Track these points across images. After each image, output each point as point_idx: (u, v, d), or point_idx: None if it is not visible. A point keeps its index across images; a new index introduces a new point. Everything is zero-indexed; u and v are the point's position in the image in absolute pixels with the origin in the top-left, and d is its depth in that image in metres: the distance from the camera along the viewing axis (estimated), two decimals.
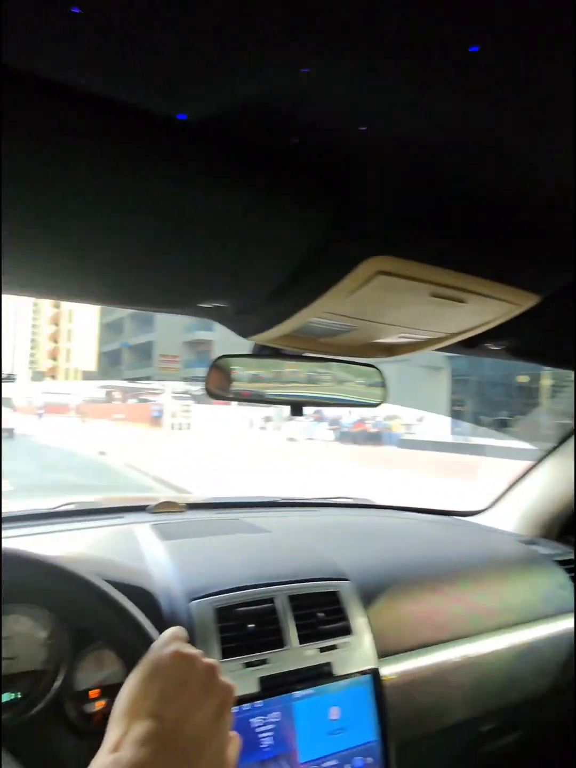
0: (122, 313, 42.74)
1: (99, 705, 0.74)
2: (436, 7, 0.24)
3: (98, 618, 0.58)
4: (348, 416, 17.89)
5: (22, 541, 0.89)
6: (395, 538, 1.35)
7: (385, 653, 0.97)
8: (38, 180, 0.37)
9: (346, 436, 18.36)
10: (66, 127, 0.33)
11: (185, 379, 29.94)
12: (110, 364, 44.43)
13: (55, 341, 67.03)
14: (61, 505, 1.34)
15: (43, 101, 0.32)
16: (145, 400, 29.13)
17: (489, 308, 0.58)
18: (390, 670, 0.96)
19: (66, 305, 60.63)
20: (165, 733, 0.45)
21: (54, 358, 65.58)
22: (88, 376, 31.53)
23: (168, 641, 0.52)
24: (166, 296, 0.65)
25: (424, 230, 0.45)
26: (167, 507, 1.36)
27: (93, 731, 0.69)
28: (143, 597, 0.82)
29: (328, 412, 17.52)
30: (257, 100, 0.32)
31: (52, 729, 0.69)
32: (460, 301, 0.52)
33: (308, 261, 0.51)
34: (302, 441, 18.51)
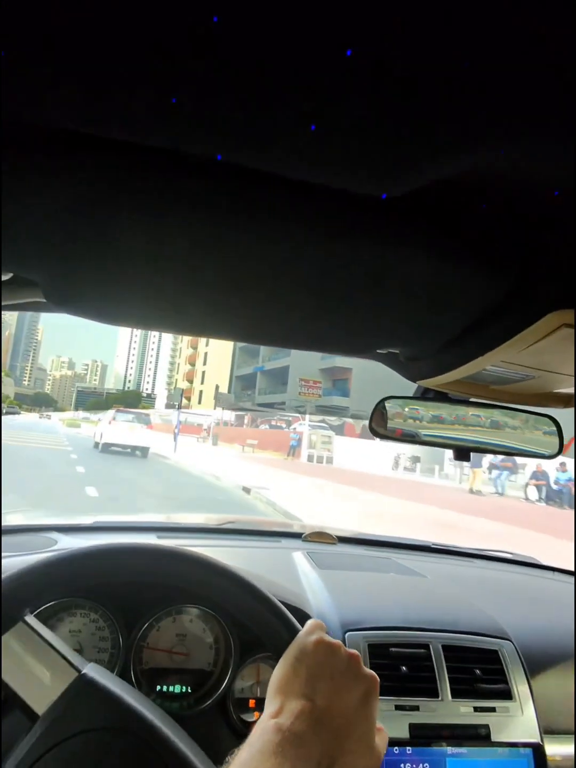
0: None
1: (256, 715, 0.78)
2: None
3: (269, 630, 0.61)
4: (551, 468, 13.13)
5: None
6: (564, 604, 1.14)
7: (549, 730, 0.86)
8: (251, 256, 0.44)
9: (558, 495, 13.13)
10: (276, 210, 0.39)
11: (322, 408, 27.82)
12: (243, 388, 44.01)
13: (192, 364, 69.65)
14: (224, 523, 1.44)
15: (258, 189, 0.37)
16: (278, 427, 27.59)
17: None
18: (556, 750, 0.85)
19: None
20: (317, 711, 0.48)
21: (190, 381, 68.06)
22: (221, 400, 30.95)
23: (311, 630, 0.56)
24: (345, 342, 0.69)
25: None
26: (320, 537, 1.36)
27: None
28: (301, 620, 0.76)
29: (527, 462, 13.53)
30: (452, 178, 0.35)
31: (219, 726, 0.79)
32: None
33: (488, 313, 0.52)
34: (489, 495, 13.84)
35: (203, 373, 60.71)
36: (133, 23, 0.24)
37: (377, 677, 0.53)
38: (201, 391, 60.13)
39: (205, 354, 61.98)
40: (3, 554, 0.90)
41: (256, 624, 0.62)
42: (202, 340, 63.85)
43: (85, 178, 0.36)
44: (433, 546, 1.52)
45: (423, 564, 1.32)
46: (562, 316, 0.44)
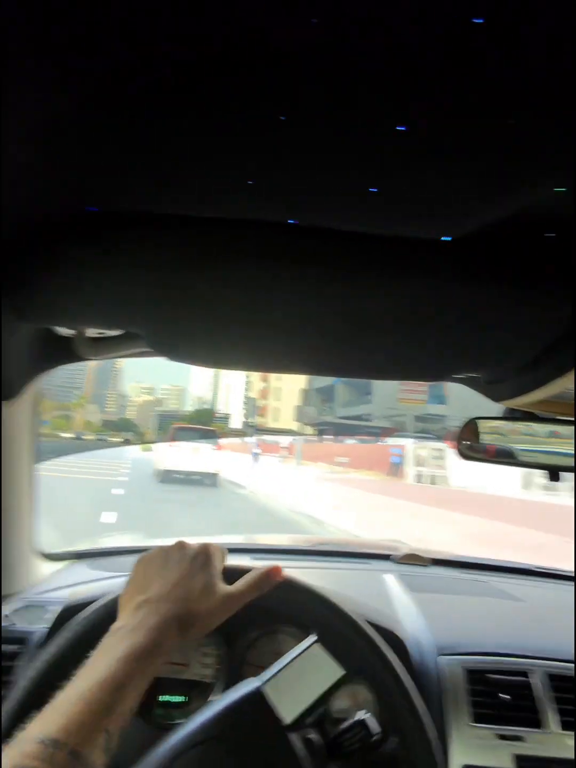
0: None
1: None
2: None
3: (356, 654, 0.64)
4: None
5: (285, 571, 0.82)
6: None
7: None
8: (332, 301, 0.50)
9: None
10: (351, 261, 0.44)
11: (422, 417, 23.89)
12: (322, 401, 40.67)
13: (266, 380, 67.50)
14: (316, 545, 1.46)
15: (333, 244, 0.42)
16: (367, 441, 24.00)
17: None
18: None
19: None
20: (152, 597, 0.55)
21: (264, 397, 65.82)
22: (303, 414, 27.88)
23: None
24: (424, 369, 0.73)
25: None
26: (412, 559, 1.34)
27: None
28: (394, 643, 0.80)
29: None
30: (508, 217, 0.38)
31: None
32: None
33: (561, 337, 0.53)
34: None
35: (278, 389, 57.96)
36: (205, 122, 0.29)
37: (212, 544, 0.62)
38: (277, 408, 57.42)
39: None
40: (94, 575, 1.01)
41: (346, 648, 0.65)
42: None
43: (174, 250, 0.43)
44: (534, 569, 1.44)
45: (521, 588, 1.27)
46: None
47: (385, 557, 1.34)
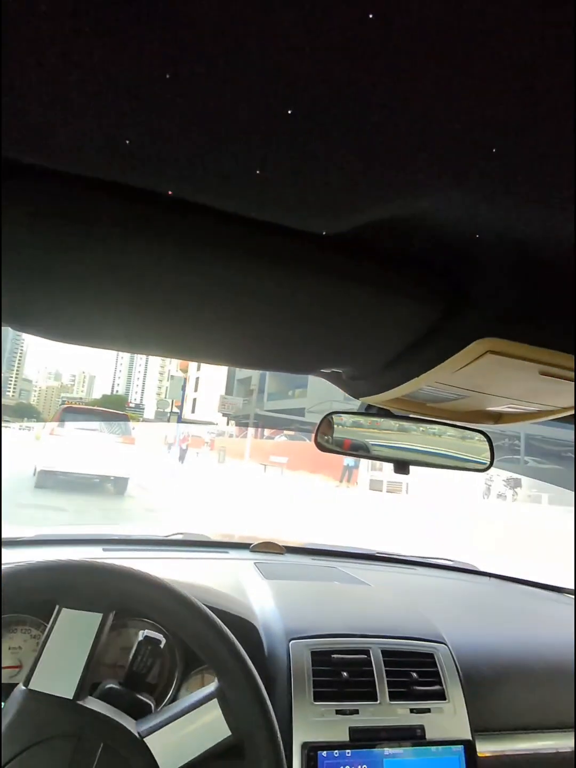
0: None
1: None
2: (537, 145, 0.29)
3: (202, 644, 0.67)
4: None
5: (135, 563, 0.82)
6: (500, 608, 1.30)
7: (480, 728, 0.92)
8: (200, 283, 0.47)
9: None
10: (224, 243, 0.42)
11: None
12: (247, 393, 37.62)
13: (184, 370, 63.20)
14: (171, 534, 1.44)
15: (208, 223, 0.40)
16: (300, 438, 21.39)
17: None
18: (485, 747, 0.91)
19: None
20: None
21: (182, 388, 61.62)
22: (226, 406, 24.83)
23: None
24: (291, 362, 0.72)
25: (534, 315, 0.48)
26: (267, 547, 1.38)
27: None
28: (247, 629, 0.87)
29: None
30: (388, 219, 0.38)
31: None
32: (570, 378, 0.53)
33: (419, 340, 0.55)
34: None
35: (197, 379, 53.99)
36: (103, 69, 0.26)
37: None
38: (194, 400, 53.50)
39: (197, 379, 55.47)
40: None
41: (184, 632, 0.67)
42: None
43: (34, 206, 0.38)
44: (377, 554, 1.56)
45: (367, 572, 1.35)
46: (486, 343, 0.48)
47: (243, 546, 1.39)
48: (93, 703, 0.66)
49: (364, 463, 13.85)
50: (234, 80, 0.26)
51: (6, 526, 1.33)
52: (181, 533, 1.45)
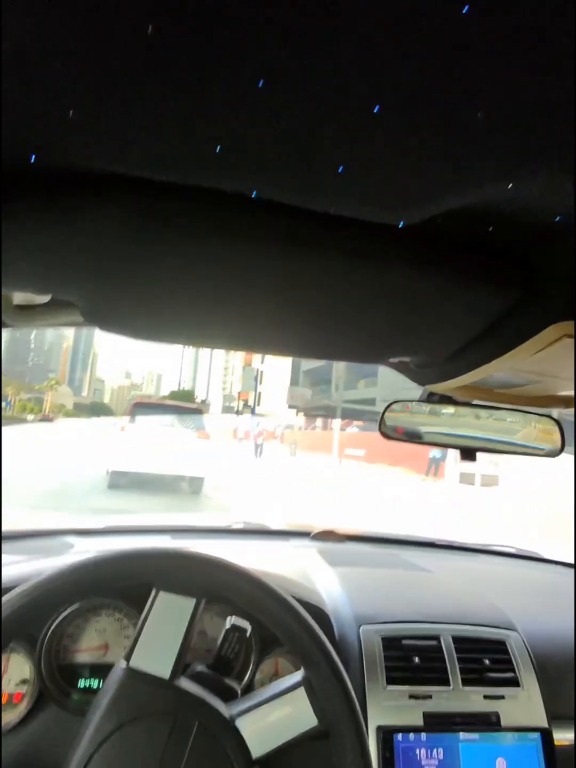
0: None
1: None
2: None
3: (283, 628, 0.68)
4: None
5: (205, 550, 0.83)
6: (567, 596, 1.18)
7: (557, 716, 0.89)
8: (276, 278, 0.48)
9: None
10: (300, 238, 0.42)
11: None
12: (312, 383, 36.87)
13: (249, 364, 63.32)
14: (233, 523, 1.45)
15: (285, 219, 0.41)
16: (364, 428, 20.43)
17: None
18: (562, 736, 0.88)
19: None
20: None
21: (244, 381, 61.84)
22: (295, 397, 24.25)
23: None
24: (360, 351, 0.72)
25: None
26: (328, 535, 1.38)
27: None
28: (318, 616, 0.85)
29: None
30: (462, 207, 0.38)
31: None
32: None
33: (492, 326, 0.55)
34: None
35: (261, 372, 53.82)
36: (176, 78, 0.27)
37: None
38: (259, 394, 53.42)
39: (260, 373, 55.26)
40: (22, 558, 0.98)
41: (272, 623, 0.68)
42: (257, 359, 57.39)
43: (116, 214, 0.40)
44: (437, 542, 1.54)
45: (429, 559, 1.34)
46: (562, 328, 0.47)
47: (304, 534, 1.38)
48: (187, 684, 0.68)
49: (452, 454, 12.78)
50: (317, 82, 0.26)
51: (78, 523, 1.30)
52: (242, 522, 1.47)
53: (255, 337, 0.68)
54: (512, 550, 1.57)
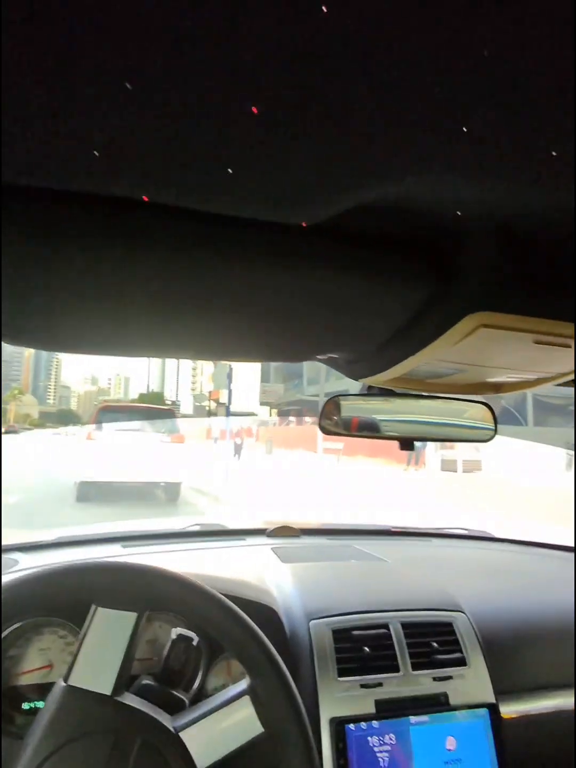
0: None
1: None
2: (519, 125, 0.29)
3: (223, 630, 0.67)
4: None
5: (155, 557, 0.93)
6: (515, 573, 1.32)
7: (503, 690, 0.93)
8: (190, 284, 0.47)
9: None
10: (205, 242, 0.42)
11: None
12: (284, 379, 36.58)
13: (216, 365, 62.47)
14: (189, 526, 1.47)
15: (187, 225, 0.40)
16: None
17: None
18: (510, 708, 0.93)
19: None
20: None
21: (213, 381, 61.10)
22: (268, 394, 23.96)
23: None
24: (287, 351, 0.73)
25: (524, 286, 0.47)
26: (284, 531, 1.38)
27: None
28: (268, 614, 0.89)
29: None
30: (368, 204, 0.38)
31: None
32: (567, 345, 0.53)
33: (412, 319, 0.55)
34: None
35: (232, 368, 53.23)
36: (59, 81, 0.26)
37: None
38: (230, 391, 52.82)
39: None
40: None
41: (216, 631, 0.68)
42: None
43: (17, 221, 0.38)
44: (392, 529, 1.57)
45: (383, 547, 1.35)
46: (477, 318, 0.47)
47: (260, 532, 1.38)
48: (130, 699, 0.67)
49: (432, 442, 12.69)
50: (196, 83, 0.26)
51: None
52: (197, 524, 1.47)
53: (175, 343, 0.67)
54: (464, 532, 1.62)
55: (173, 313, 0.54)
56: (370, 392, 0.86)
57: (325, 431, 0.89)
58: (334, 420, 0.89)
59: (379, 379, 0.73)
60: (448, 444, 13.30)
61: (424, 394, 0.83)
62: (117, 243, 0.40)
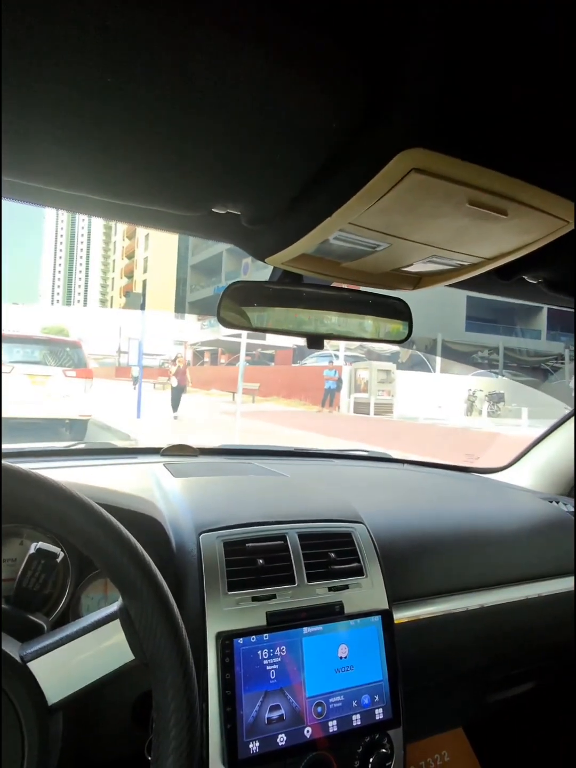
0: (216, 249, 33.90)
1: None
2: None
3: (89, 540, 0.57)
4: None
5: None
6: (412, 489, 1.34)
7: (397, 598, 0.95)
8: (42, 67, 0.38)
9: None
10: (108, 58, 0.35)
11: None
12: (199, 317, 35.66)
13: (130, 276, 59.58)
14: (73, 444, 1.38)
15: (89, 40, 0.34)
16: (263, 362, 20.25)
17: (533, 225, 0.53)
18: (402, 614, 0.96)
19: (141, 235, 52.75)
20: None
21: (128, 274, 58.63)
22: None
23: None
24: (174, 196, 0.60)
25: (467, 122, 0.41)
26: (180, 449, 1.31)
27: None
28: (151, 526, 0.82)
29: None
30: (300, 5, 0.32)
31: None
32: (502, 211, 0.48)
33: (335, 156, 0.48)
34: None
35: (143, 296, 50.87)
36: None
37: None
38: (145, 281, 50.78)
39: (144, 281, 52.36)
40: None
41: (81, 542, 0.57)
42: (140, 257, 54.25)
43: None
44: (295, 450, 1.53)
45: (284, 466, 1.31)
46: (412, 156, 0.41)
47: (154, 451, 1.31)
48: None
49: (346, 385, 12.83)
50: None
51: None
52: (85, 443, 1.42)
53: (52, 174, 0.56)
54: (365, 453, 1.64)
55: (71, 133, 0.44)
56: (277, 280, 0.79)
57: (224, 323, 0.80)
58: (234, 312, 0.80)
59: (288, 256, 0.65)
60: (361, 386, 13.62)
61: (336, 285, 0.77)
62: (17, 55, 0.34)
